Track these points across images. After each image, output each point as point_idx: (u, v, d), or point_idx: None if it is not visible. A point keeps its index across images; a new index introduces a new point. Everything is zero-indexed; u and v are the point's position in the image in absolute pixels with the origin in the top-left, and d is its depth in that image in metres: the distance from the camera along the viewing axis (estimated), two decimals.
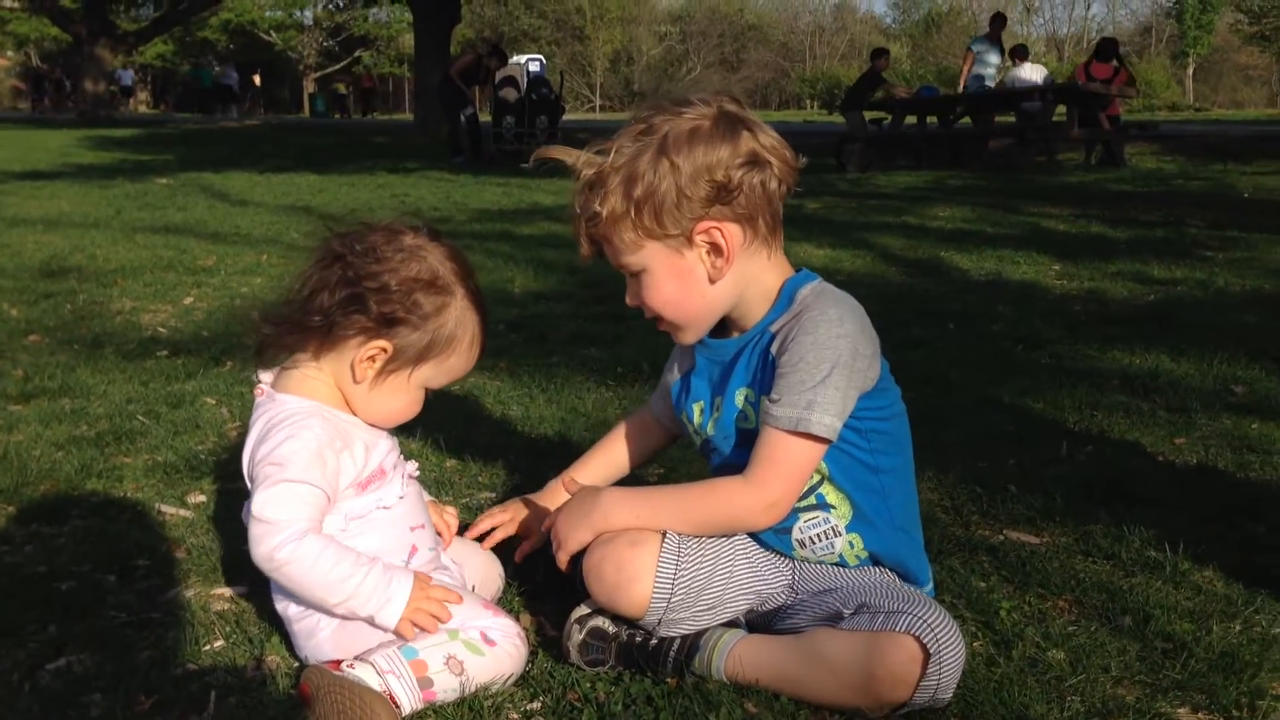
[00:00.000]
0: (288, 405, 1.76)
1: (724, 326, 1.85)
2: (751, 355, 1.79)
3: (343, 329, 1.73)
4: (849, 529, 1.79)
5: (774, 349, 1.73)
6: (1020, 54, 15.60)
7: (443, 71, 15.83)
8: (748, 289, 1.78)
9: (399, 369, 1.77)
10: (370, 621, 1.72)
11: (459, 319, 1.78)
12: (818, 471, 1.76)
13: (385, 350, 1.75)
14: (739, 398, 1.80)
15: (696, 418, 1.89)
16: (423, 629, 1.71)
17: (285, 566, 1.67)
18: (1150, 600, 2.01)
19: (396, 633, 1.72)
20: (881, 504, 1.80)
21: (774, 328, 1.76)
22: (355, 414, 1.80)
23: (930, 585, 1.90)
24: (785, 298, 1.77)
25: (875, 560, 1.82)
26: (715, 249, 1.72)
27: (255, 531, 1.68)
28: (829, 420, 1.66)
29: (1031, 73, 14.90)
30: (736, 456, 1.79)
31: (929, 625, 1.57)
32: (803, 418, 1.66)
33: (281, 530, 1.67)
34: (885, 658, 1.57)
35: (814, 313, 1.71)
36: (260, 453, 1.72)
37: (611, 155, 1.70)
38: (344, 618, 1.73)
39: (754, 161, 1.69)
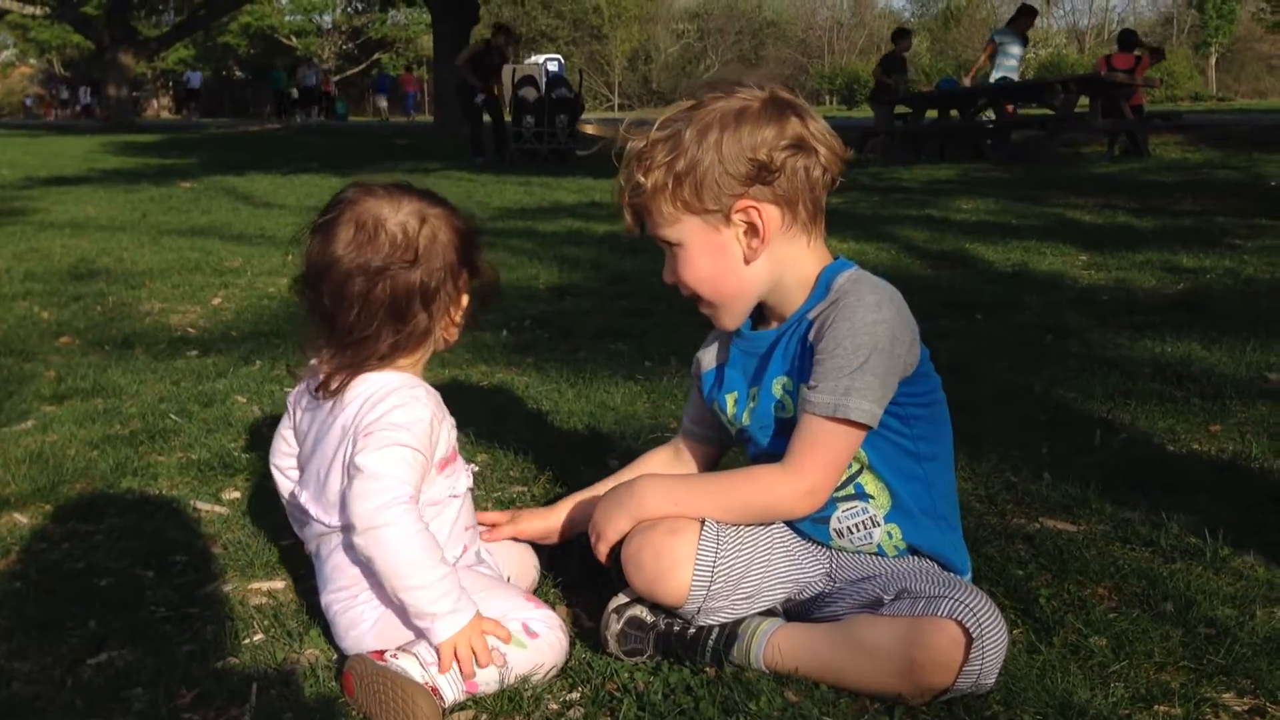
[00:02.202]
0: (383, 380, 1.77)
1: (763, 317, 1.85)
2: (789, 343, 1.78)
3: (418, 334, 1.79)
4: (887, 519, 1.78)
5: (811, 336, 1.72)
6: None
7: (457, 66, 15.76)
8: (785, 274, 1.77)
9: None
10: (421, 622, 1.68)
11: (443, 242, 1.80)
12: (857, 460, 1.75)
13: (454, 321, 1.84)
14: (776, 387, 1.79)
15: (730, 409, 1.89)
16: (459, 663, 1.66)
17: (386, 528, 1.65)
18: (1192, 586, 1.99)
19: (437, 649, 1.66)
20: (924, 492, 1.79)
21: (811, 315, 1.75)
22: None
23: (969, 576, 1.88)
24: (822, 285, 1.77)
25: (914, 551, 1.81)
26: (752, 229, 1.73)
27: (365, 486, 1.67)
28: (867, 406, 1.66)
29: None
30: (774, 446, 1.78)
31: (971, 609, 1.56)
32: (840, 404, 1.65)
33: (392, 490, 1.67)
34: (927, 642, 1.56)
35: (851, 299, 1.70)
36: (372, 416, 1.72)
37: (658, 128, 1.72)
38: (387, 605, 1.72)
39: (799, 146, 1.69)
